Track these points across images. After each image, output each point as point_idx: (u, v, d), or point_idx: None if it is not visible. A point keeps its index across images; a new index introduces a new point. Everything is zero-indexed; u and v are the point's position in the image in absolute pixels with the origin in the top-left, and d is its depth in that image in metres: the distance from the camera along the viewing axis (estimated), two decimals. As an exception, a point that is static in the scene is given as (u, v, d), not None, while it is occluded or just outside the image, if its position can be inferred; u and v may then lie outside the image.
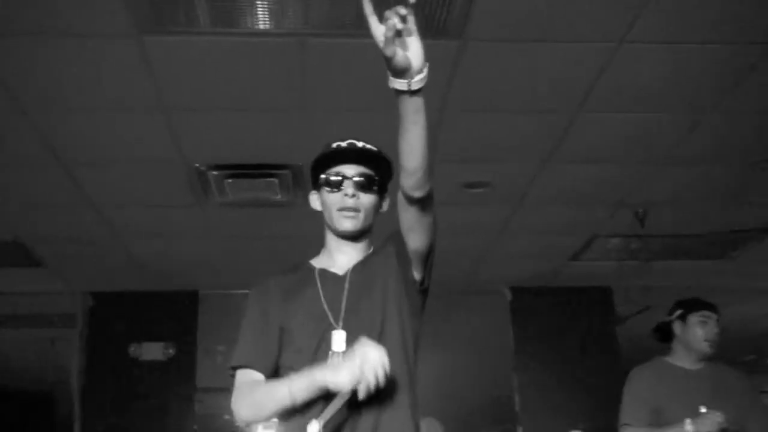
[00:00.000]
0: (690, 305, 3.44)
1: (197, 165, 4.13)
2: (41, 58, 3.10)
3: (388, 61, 1.56)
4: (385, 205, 2.02)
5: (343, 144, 1.97)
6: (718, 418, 3.05)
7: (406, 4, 1.52)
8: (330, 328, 1.87)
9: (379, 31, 1.54)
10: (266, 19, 2.93)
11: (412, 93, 1.61)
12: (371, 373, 1.65)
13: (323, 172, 1.97)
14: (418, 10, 2.84)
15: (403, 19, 1.52)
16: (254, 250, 5.26)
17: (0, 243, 5.11)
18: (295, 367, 1.84)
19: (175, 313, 6.32)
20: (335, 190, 1.95)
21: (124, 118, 3.60)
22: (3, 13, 2.80)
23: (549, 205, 4.84)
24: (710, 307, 3.43)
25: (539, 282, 6.47)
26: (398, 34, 1.53)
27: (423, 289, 1.96)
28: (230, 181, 4.29)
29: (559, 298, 6.57)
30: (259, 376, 1.90)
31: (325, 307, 1.89)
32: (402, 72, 1.58)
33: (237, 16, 2.91)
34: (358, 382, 1.65)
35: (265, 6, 2.86)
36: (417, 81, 1.59)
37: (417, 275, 1.93)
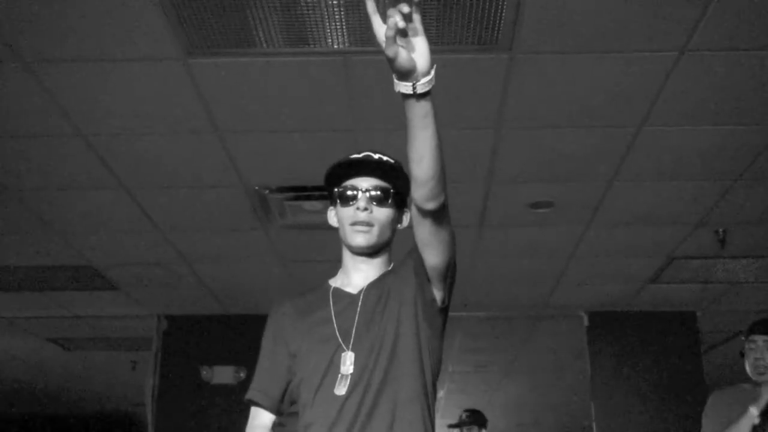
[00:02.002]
0: (748, 330, 3.28)
1: (257, 188, 4.14)
2: (97, 84, 3.16)
3: (391, 62, 1.46)
4: (405, 220, 1.93)
5: (359, 156, 1.89)
6: None
7: (410, 3, 1.43)
8: (339, 350, 1.79)
9: (381, 30, 1.45)
10: (317, 38, 2.90)
11: (419, 97, 1.51)
12: None
13: (338, 185, 1.90)
14: (464, 23, 2.79)
15: (408, 17, 1.42)
16: (320, 273, 5.22)
17: (75, 267, 5.27)
18: (304, 392, 1.77)
19: (247, 337, 6.32)
20: (348, 204, 1.87)
21: (180, 142, 3.64)
22: (58, 42, 2.87)
23: (621, 226, 4.64)
24: (760, 329, 3.24)
25: (617, 306, 6.21)
26: (403, 33, 1.44)
27: (443, 308, 1.85)
28: (290, 203, 4.29)
29: (638, 323, 6.28)
30: (265, 416, 1.91)
31: (335, 328, 1.82)
32: (406, 74, 1.48)
33: (286, 37, 2.89)
34: None
35: (316, 25, 2.83)
36: (423, 84, 1.49)
37: (436, 294, 1.82)
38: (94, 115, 3.39)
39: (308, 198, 4.24)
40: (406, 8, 1.41)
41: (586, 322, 6.37)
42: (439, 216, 1.68)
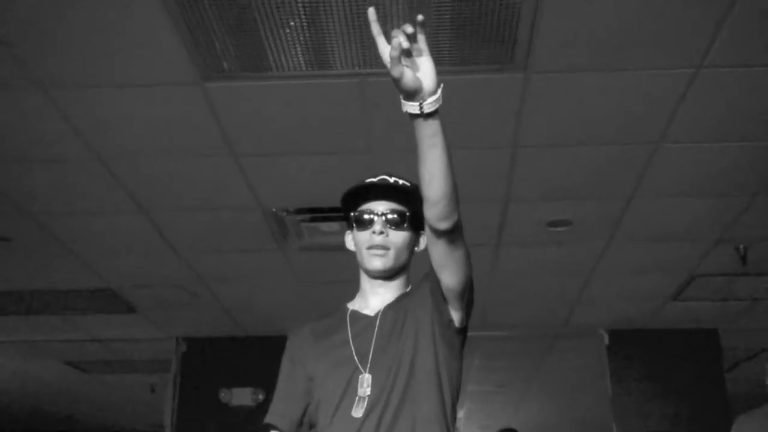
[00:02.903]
0: None
1: (274, 210, 4.15)
2: (115, 108, 3.19)
3: (396, 82, 1.47)
4: (422, 243, 1.91)
5: (375, 179, 1.89)
6: None
7: (414, 23, 1.44)
8: (357, 373, 1.78)
9: (386, 51, 1.47)
10: (332, 60, 2.91)
11: (427, 116, 1.51)
12: None
13: (354, 210, 1.90)
14: (479, 42, 2.79)
15: (412, 38, 1.44)
16: (337, 294, 5.21)
17: (94, 290, 5.29)
18: (322, 415, 1.76)
19: (265, 359, 6.29)
20: (365, 228, 1.87)
21: (197, 165, 3.66)
22: (76, 67, 2.90)
23: (640, 243, 4.60)
24: None
25: (638, 324, 6.15)
26: (407, 54, 1.46)
27: (461, 329, 1.84)
28: (307, 225, 4.30)
29: (659, 341, 6.21)
30: None
31: (353, 350, 1.81)
32: (413, 94, 1.49)
33: (302, 60, 2.90)
34: None
35: (331, 47, 2.84)
36: (429, 103, 1.50)
37: (454, 314, 1.81)
38: (112, 140, 3.42)
39: (325, 219, 4.24)
40: (410, 29, 1.42)
41: (606, 340, 6.31)
42: (452, 236, 1.67)
